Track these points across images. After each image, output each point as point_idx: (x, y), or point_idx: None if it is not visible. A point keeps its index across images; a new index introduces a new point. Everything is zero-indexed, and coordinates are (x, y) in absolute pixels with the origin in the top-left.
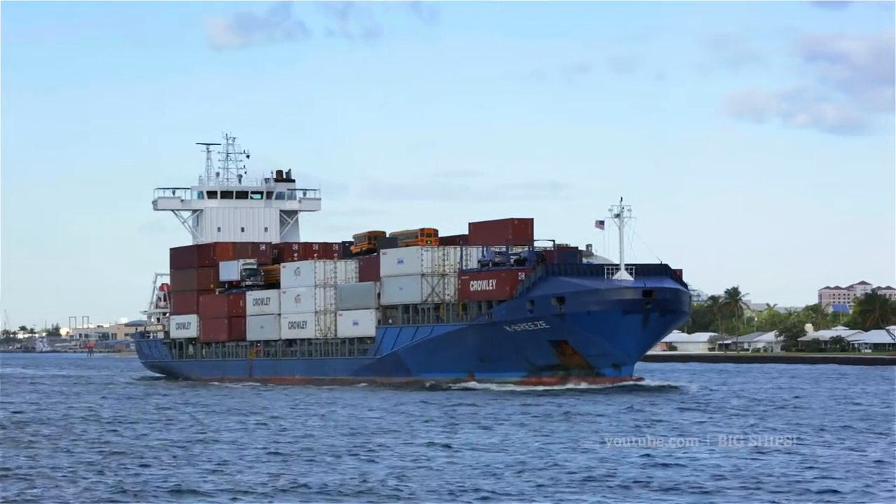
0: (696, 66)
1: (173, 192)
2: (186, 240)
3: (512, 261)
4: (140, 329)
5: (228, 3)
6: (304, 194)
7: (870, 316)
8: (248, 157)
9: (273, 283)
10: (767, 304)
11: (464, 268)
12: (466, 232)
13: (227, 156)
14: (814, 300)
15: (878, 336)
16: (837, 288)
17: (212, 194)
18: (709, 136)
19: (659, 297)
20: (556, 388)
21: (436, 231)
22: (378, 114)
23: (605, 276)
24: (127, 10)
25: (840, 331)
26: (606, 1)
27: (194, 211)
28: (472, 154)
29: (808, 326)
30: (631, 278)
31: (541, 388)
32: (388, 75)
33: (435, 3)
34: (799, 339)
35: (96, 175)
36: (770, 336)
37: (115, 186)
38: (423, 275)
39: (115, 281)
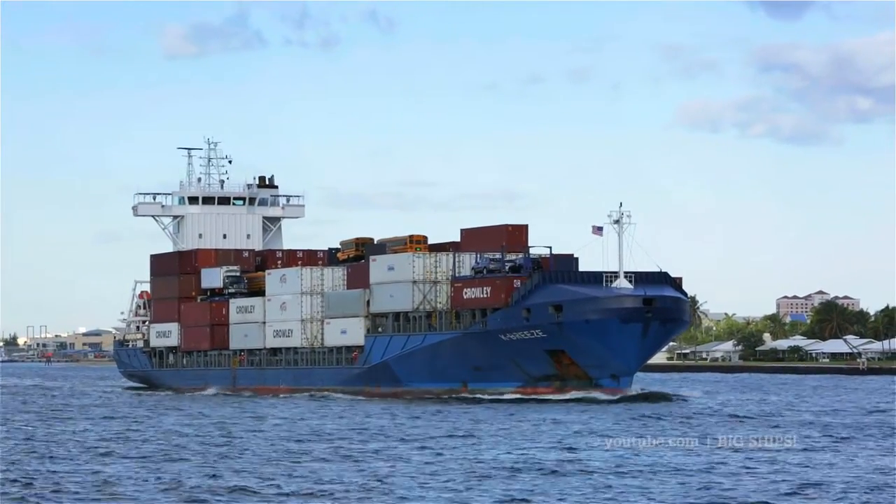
0: (651, 76)
1: (154, 198)
2: (147, 247)
3: (507, 268)
4: (98, 339)
5: (184, 12)
6: (288, 200)
7: (827, 325)
8: (230, 162)
9: (257, 291)
10: (725, 314)
11: (456, 275)
12: (442, 239)
13: (209, 161)
14: (771, 309)
15: (835, 345)
16: (795, 297)
17: (193, 200)
18: (665, 145)
19: (660, 306)
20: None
21: (425, 238)
22: (335, 123)
23: (604, 283)
24: (80, 18)
25: (798, 340)
26: (561, 11)
27: (175, 217)
28: (429, 163)
29: (766, 336)
30: (630, 286)
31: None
32: (345, 84)
33: (391, 13)
34: (757, 349)
35: (52, 182)
36: (728, 345)
37: (71, 194)
38: (414, 282)
39: (74, 290)
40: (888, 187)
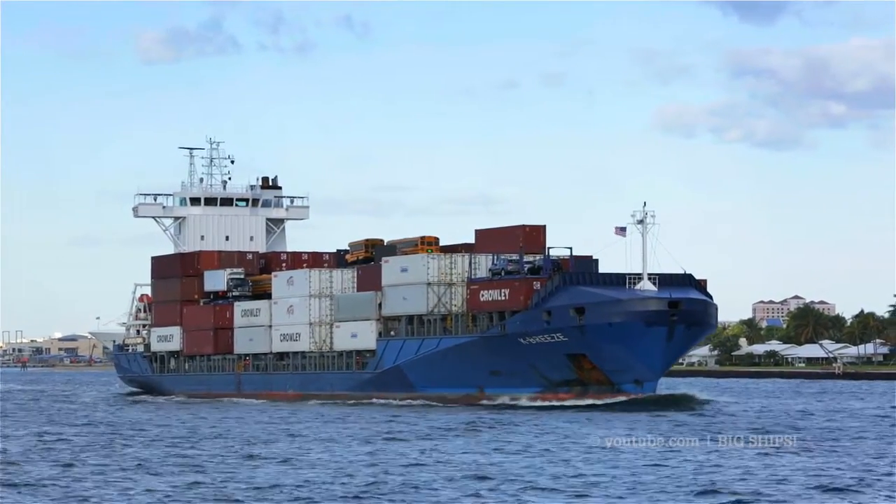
0: (626, 81)
1: (154, 199)
2: (125, 250)
3: (526, 269)
4: (73, 344)
5: (160, 17)
6: (292, 202)
7: (803, 330)
8: (232, 162)
9: (261, 294)
10: None
11: (473, 277)
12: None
13: (211, 161)
14: (748, 314)
15: (811, 350)
16: (771, 302)
17: (195, 201)
18: (640, 150)
19: (685, 309)
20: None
21: (437, 239)
22: (310, 127)
23: (627, 285)
24: (54, 22)
25: (774, 345)
26: (536, 15)
27: (176, 218)
28: (405, 168)
29: (743, 340)
30: (654, 288)
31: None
32: (320, 89)
33: (366, 18)
34: (733, 354)
35: (26, 185)
36: (704, 350)
37: (45, 198)
38: (428, 284)
39: (49, 294)
40: (863, 192)
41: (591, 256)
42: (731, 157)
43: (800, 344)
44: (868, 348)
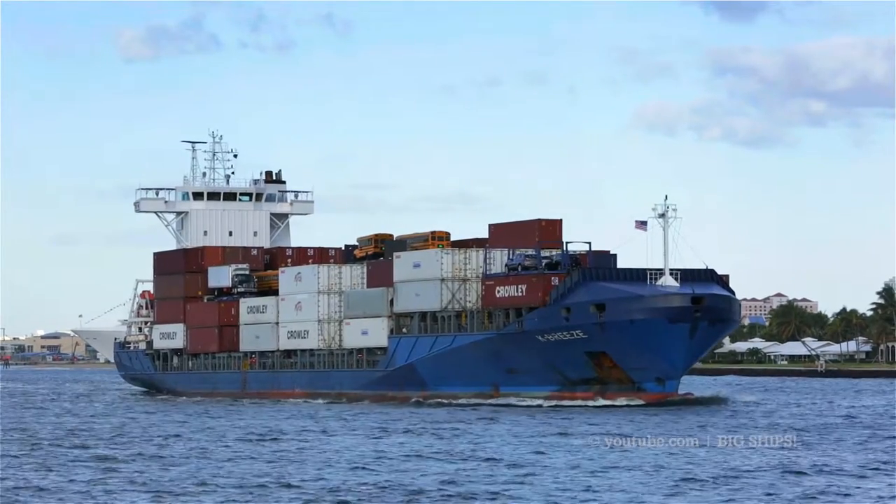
0: (607, 80)
1: (156, 194)
2: (110, 249)
3: (543, 264)
4: (56, 341)
5: (140, 15)
6: (296, 196)
7: (786, 328)
8: (235, 156)
9: (266, 290)
10: None
11: (488, 272)
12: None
13: (214, 155)
14: None
15: (793, 348)
16: (754, 300)
17: (198, 195)
18: (621, 148)
19: (709, 305)
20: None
21: (448, 234)
22: (291, 125)
23: (648, 281)
24: (34, 22)
25: (757, 342)
26: (517, 13)
27: (179, 213)
28: (387, 166)
29: (725, 338)
30: (676, 284)
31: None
32: (301, 88)
33: (348, 16)
34: (716, 351)
35: (4, 185)
36: None
37: (25, 196)
38: (442, 280)
39: (32, 292)
40: (844, 190)
41: (608, 251)
42: (711, 156)
43: (782, 341)
44: (850, 346)
